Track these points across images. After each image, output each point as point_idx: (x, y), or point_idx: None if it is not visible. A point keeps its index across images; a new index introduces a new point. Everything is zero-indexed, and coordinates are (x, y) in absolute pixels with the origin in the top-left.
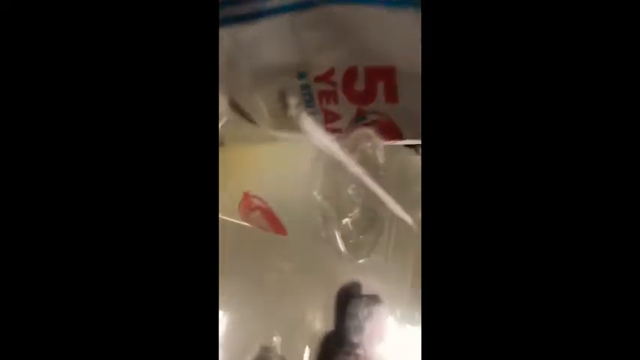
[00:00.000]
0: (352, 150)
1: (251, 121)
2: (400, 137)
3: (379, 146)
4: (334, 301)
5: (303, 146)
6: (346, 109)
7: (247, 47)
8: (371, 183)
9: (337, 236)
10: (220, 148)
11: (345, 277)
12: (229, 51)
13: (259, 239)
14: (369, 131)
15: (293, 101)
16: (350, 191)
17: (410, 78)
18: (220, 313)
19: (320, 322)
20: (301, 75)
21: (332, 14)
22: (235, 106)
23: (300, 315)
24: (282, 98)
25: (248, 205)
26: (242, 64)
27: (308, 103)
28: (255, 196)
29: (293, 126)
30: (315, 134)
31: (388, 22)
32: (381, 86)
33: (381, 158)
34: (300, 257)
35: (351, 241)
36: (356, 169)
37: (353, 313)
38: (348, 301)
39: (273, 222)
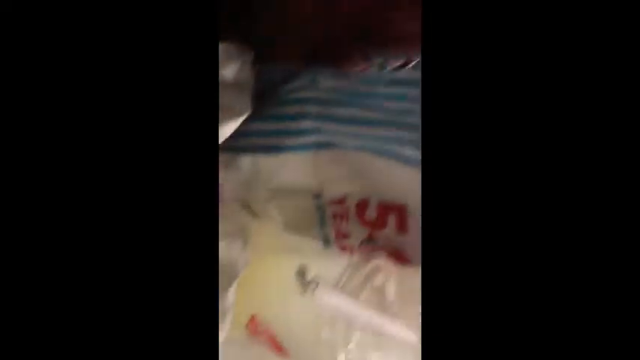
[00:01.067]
0: (363, 285)
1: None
2: (410, 264)
3: (390, 279)
4: None
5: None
6: (357, 230)
7: (267, 172)
8: (379, 325)
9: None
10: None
11: None
12: (248, 173)
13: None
14: (381, 262)
15: (308, 274)
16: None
17: (419, 217)
18: None
19: None
20: (316, 196)
21: (349, 155)
22: (252, 214)
23: None
24: (301, 273)
25: (254, 328)
26: (259, 185)
27: (321, 221)
28: (261, 321)
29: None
30: (331, 304)
31: (402, 170)
32: (392, 218)
33: (391, 294)
34: None
35: None
36: (366, 317)
37: None
38: None
39: (278, 348)
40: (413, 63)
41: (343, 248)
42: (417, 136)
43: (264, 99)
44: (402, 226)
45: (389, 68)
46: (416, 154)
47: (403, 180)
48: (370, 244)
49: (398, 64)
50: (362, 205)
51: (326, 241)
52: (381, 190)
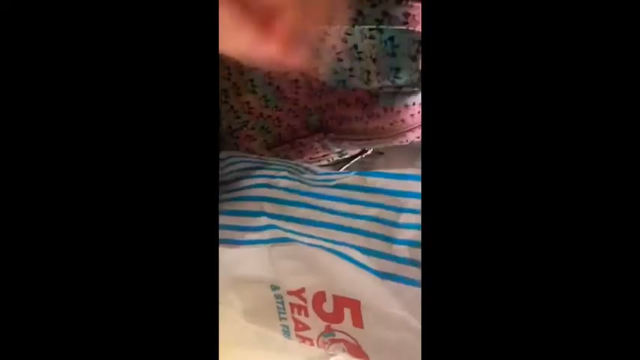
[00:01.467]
0: None
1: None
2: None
3: None
4: None
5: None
6: (315, 323)
7: (227, 262)
8: None
9: None
10: None
11: None
12: None
13: None
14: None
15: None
16: None
17: (375, 311)
18: None
19: None
20: (274, 287)
21: (304, 250)
22: None
23: None
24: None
25: None
26: (220, 273)
27: (280, 311)
28: None
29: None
30: None
31: (353, 270)
32: (347, 312)
33: None
34: None
35: None
36: None
37: None
38: None
39: None
40: (367, 152)
41: (303, 340)
42: (363, 240)
43: (227, 191)
44: (358, 321)
45: (347, 156)
46: (363, 258)
47: (355, 279)
48: (329, 337)
49: (354, 153)
50: (319, 298)
51: (286, 332)
52: (336, 285)
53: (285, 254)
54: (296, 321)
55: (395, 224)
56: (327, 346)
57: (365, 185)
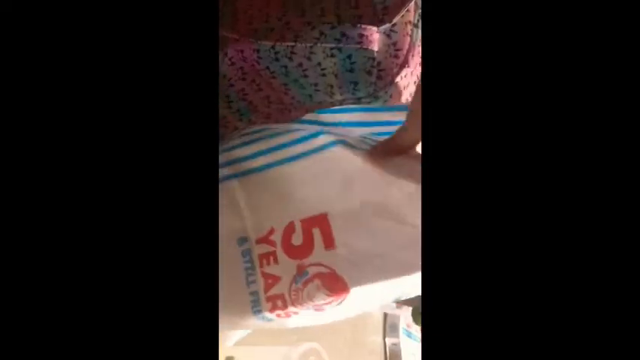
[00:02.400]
0: None
1: None
2: (346, 287)
3: None
4: None
5: None
6: (286, 268)
7: None
8: None
9: None
10: None
11: None
12: None
13: None
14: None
15: None
16: None
17: (342, 219)
18: None
19: None
20: (241, 241)
21: (269, 177)
22: None
23: None
24: None
25: None
26: None
27: (249, 272)
28: None
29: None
30: None
31: (311, 172)
32: (317, 233)
33: None
34: None
35: None
36: None
37: None
38: None
39: None
40: None
41: (274, 305)
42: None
43: None
44: (329, 240)
45: None
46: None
47: (318, 184)
48: (302, 280)
49: None
50: (288, 232)
51: (255, 303)
52: (302, 206)
53: (251, 188)
54: (265, 276)
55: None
56: (300, 294)
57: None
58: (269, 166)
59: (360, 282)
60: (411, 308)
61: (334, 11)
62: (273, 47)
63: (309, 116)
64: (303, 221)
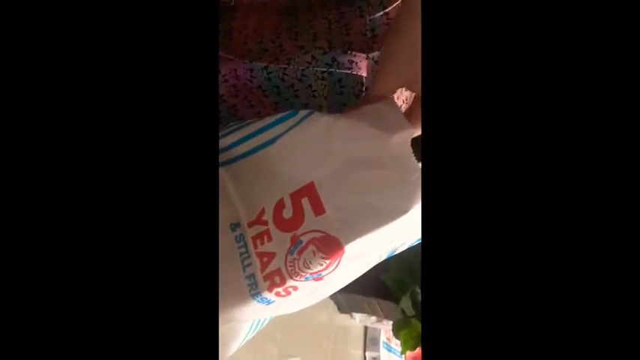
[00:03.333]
0: None
1: None
2: (341, 246)
3: None
4: None
5: None
6: (280, 242)
7: None
8: None
9: None
10: None
11: None
12: None
13: None
14: None
15: None
16: None
17: (328, 184)
18: None
19: None
20: (233, 226)
21: (255, 161)
22: None
23: None
24: None
25: None
26: None
27: (244, 256)
28: None
29: None
30: None
31: (292, 146)
32: (306, 203)
33: None
34: None
35: None
36: None
37: None
38: None
39: None
40: None
41: (272, 282)
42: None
43: None
44: (318, 207)
45: None
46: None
47: (302, 154)
48: (297, 249)
49: None
50: (279, 208)
51: (253, 287)
52: (289, 180)
53: (238, 174)
54: (260, 257)
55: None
56: (296, 264)
57: None
58: (252, 151)
59: (354, 237)
60: (391, 322)
61: (326, 37)
62: (266, 68)
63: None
64: (292, 195)
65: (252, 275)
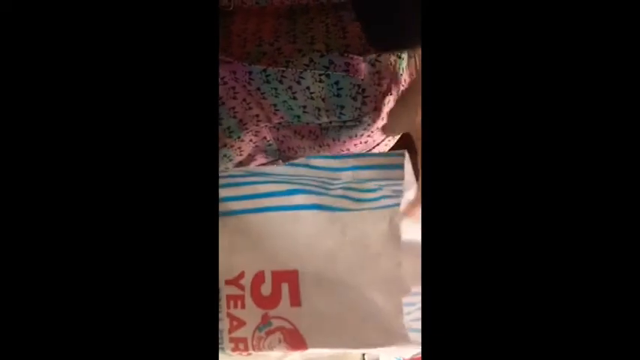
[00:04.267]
0: None
1: None
2: (305, 346)
3: None
4: None
5: None
6: (252, 314)
7: None
8: None
9: None
10: None
11: None
12: None
13: None
14: None
15: None
16: None
17: (311, 280)
18: None
19: None
20: None
21: (248, 222)
22: None
23: None
24: None
25: None
26: None
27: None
28: None
29: None
30: None
31: (292, 228)
32: (285, 288)
33: None
34: None
35: None
36: None
37: None
38: None
39: None
40: None
41: (236, 346)
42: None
43: None
44: (295, 298)
45: None
46: (303, 199)
47: (294, 240)
48: (265, 330)
49: None
50: (258, 280)
51: (219, 340)
52: (276, 257)
53: (228, 229)
54: (231, 318)
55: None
56: (262, 341)
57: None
58: (249, 211)
59: (319, 345)
60: None
61: (324, 40)
62: (264, 70)
63: (300, 160)
64: (274, 273)
65: (221, 331)
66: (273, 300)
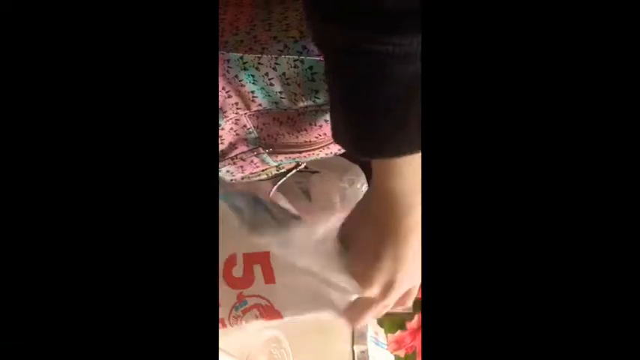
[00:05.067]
0: None
1: None
2: (280, 316)
3: None
4: None
5: None
6: (227, 296)
7: None
8: None
9: None
10: None
11: None
12: None
13: None
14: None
15: None
16: None
17: (284, 259)
18: None
19: None
20: None
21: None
22: None
23: None
24: None
25: None
26: None
27: None
28: None
29: None
30: None
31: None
32: (258, 269)
33: None
34: None
35: None
36: None
37: None
38: None
39: None
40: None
41: None
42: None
43: None
44: (269, 276)
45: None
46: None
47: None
48: (241, 309)
49: (290, 167)
50: (230, 263)
51: None
52: (246, 239)
53: None
54: None
55: None
56: (239, 320)
57: None
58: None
59: (293, 314)
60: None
61: (298, 27)
62: (241, 57)
63: None
64: (245, 255)
65: None
66: (246, 281)
